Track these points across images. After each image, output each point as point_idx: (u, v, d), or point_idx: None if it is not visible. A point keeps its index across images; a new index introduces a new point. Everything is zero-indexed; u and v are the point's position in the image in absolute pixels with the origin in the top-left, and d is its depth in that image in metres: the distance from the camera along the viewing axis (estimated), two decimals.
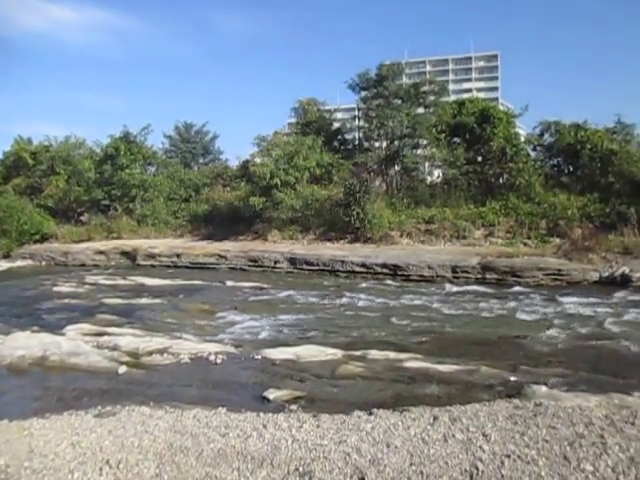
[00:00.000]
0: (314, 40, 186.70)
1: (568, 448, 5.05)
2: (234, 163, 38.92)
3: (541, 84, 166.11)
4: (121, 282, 20.94)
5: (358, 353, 10.00)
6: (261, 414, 6.42)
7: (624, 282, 17.45)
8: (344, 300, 16.21)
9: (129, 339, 11.22)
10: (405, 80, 36.25)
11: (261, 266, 24.03)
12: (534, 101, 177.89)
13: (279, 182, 28.41)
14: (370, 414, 6.34)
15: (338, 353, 10.03)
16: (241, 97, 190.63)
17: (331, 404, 7.37)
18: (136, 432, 5.82)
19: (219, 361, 9.73)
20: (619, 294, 15.99)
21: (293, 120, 38.34)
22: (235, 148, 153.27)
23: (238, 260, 24.84)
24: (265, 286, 19.05)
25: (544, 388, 7.35)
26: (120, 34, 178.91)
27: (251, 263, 24.45)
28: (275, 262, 23.85)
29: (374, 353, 9.93)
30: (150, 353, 10.29)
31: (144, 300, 16.77)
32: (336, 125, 36.37)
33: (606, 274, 18.41)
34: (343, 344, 10.83)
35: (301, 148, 29.84)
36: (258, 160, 32.17)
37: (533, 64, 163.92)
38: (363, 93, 32.19)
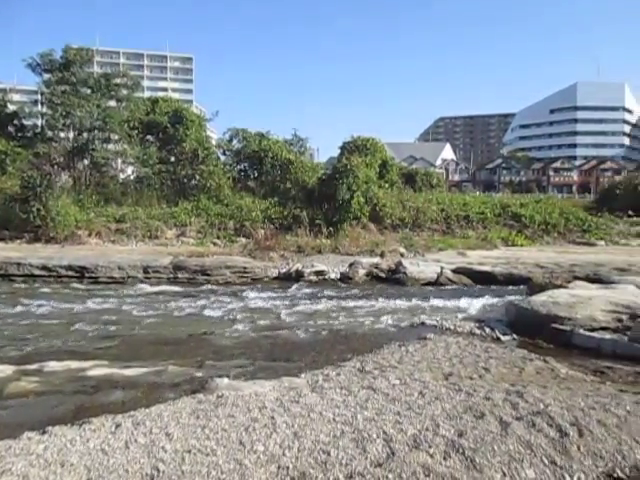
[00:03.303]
0: None
1: (244, 433, 5.50)
2: None
3: (234, 92, 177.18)
4: None
5: (34, 367, 8.98)
6: None
7: (298, 277, 20.06)
8: (19, 308, 14.39)
9: None
10: (96, 69, 34.20)
11: None
12: (228, 108, 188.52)
13: None
14: (43, 433, 5.77)
15: (8, 369, 8.81)
16: None
17: None
18: None
19: None
20: (294, 288, 18.30)
21: None
22: None
23: None
24: None
25: (226, 380, 7.82)
26: None
27: None
28: None
29: (53, 365, 9.06)
30: None
31: None
32: (12, 108, 31.95)
33: (284, 270, 20.84)
34: (15, 359, 9.59)
35: None
36: None
37: (228, 72, 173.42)
38: (46, 76, 29.21)
